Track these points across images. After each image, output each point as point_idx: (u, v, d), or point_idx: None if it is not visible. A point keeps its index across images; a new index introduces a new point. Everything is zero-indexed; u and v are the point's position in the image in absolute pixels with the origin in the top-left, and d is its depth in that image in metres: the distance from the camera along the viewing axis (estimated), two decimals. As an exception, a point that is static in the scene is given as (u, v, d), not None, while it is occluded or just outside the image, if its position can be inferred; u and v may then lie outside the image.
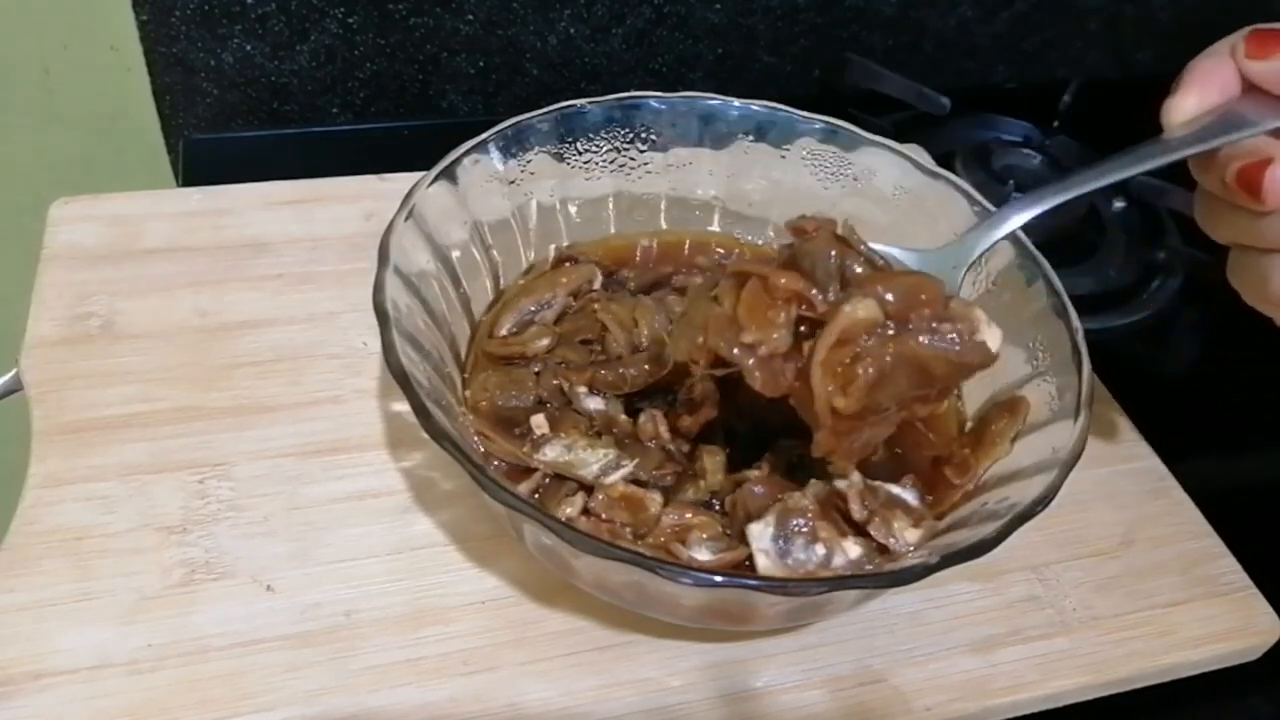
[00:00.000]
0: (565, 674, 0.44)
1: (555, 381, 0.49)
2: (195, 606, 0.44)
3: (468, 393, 0.49)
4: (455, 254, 0.51)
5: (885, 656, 0.46)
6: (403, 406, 0.41)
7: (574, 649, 0.45)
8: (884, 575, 0.40)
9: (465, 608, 0.46)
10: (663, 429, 0.47)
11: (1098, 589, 0.50)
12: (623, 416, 0.48)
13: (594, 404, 0.48)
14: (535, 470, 0.45)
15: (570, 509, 0.44)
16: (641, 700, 0.44)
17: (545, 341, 0.50)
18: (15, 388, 0.53)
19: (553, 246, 0.57)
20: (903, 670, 0.46)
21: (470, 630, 0.45)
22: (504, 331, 0.52)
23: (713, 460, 0.47)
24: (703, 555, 0.43)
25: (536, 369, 0.50)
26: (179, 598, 0.45)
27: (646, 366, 0.49)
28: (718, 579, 0.37)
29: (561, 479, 0.45)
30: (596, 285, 0.55)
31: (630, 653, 0.45)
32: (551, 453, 0.45)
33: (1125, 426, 0.58)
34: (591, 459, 0.45)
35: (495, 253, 0.54)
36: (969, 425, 0.50)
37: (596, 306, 0.52)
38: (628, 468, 0.45)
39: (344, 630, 0.45)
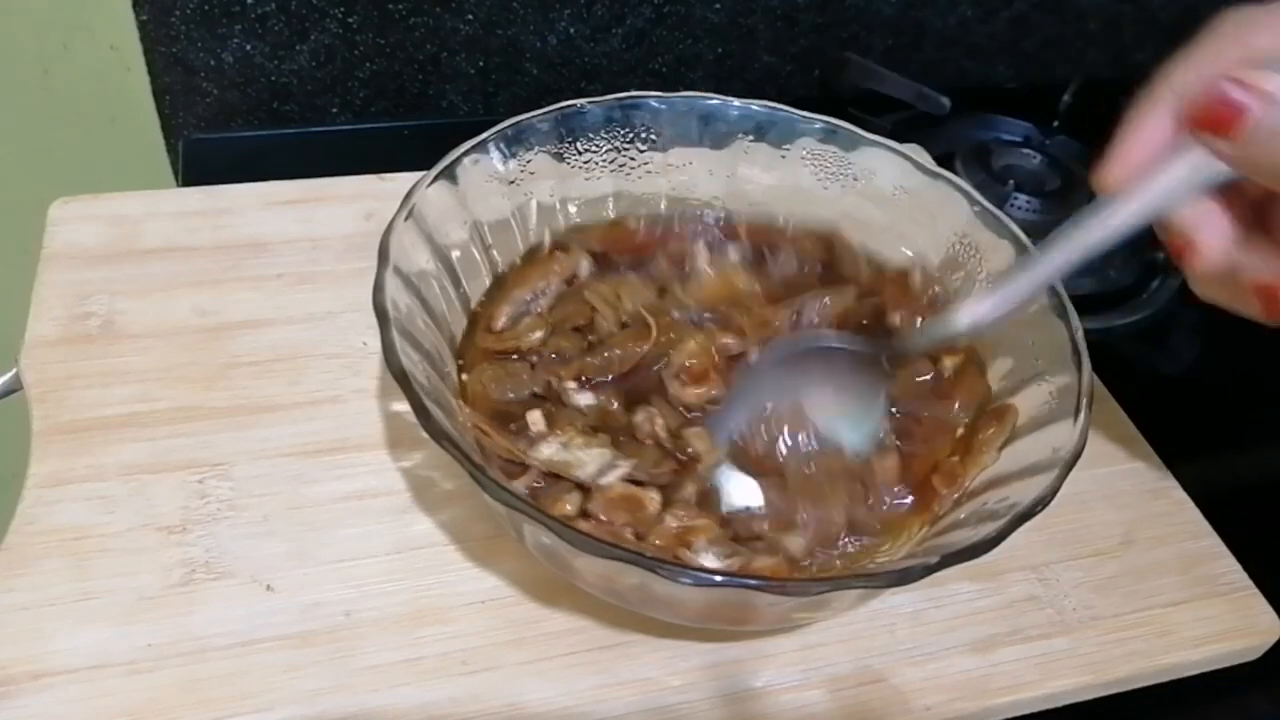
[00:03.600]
0: (565, 674, 0.44)
1: (547, 376, 0.49)
2: (195, 606, 0.44)
3: (465, 377, 0.49)
4: (455, 254, 0.51)
5: (885, 656, 0.46)
6: (403, 406, 0.41)
7: (574, 649, 0.45)
8: (884, 575, 0.40)
9: (465, 608, 0.46)
10: (659, 426, 0.47)
11: (1098, 589, 0.50)
12: (614, 405, 0.48)
13: (585, 399, 0.48)
14: (531, 467, 0.45)
15: (568, 507, 0.43)
16: (641, 700, 0.44)
17: (539, 334, 0.50)
18: (15, 387, 0.53)
19: (547, 230, 0.56)
20: (902, 670, 0.46)
21: (470, 630, 0.45)
22: (500, 325, 0.51)
23: (701, 440, 0.46)
24: (710, 561, 0.43)
25: (532, 360, 0.50)
26: (179, 598, 0.45)
27: (630, 343, 0.48)
28: (717, 579, 0.37)
29: (555, 479, 0.45)
30: (586, 272, 0.54)
31: (630, 653, 0.45)
32: (547, 450, 0.45)
33: (1125, 426, 0.58)
34: (588, 459, 0.45)
35: (495, 252, 0.54)
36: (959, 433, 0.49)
37: (586, 291, 0.52)
38: (624, 468, 0.45)
39: (344, 630, 0.45)
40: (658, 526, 0.44)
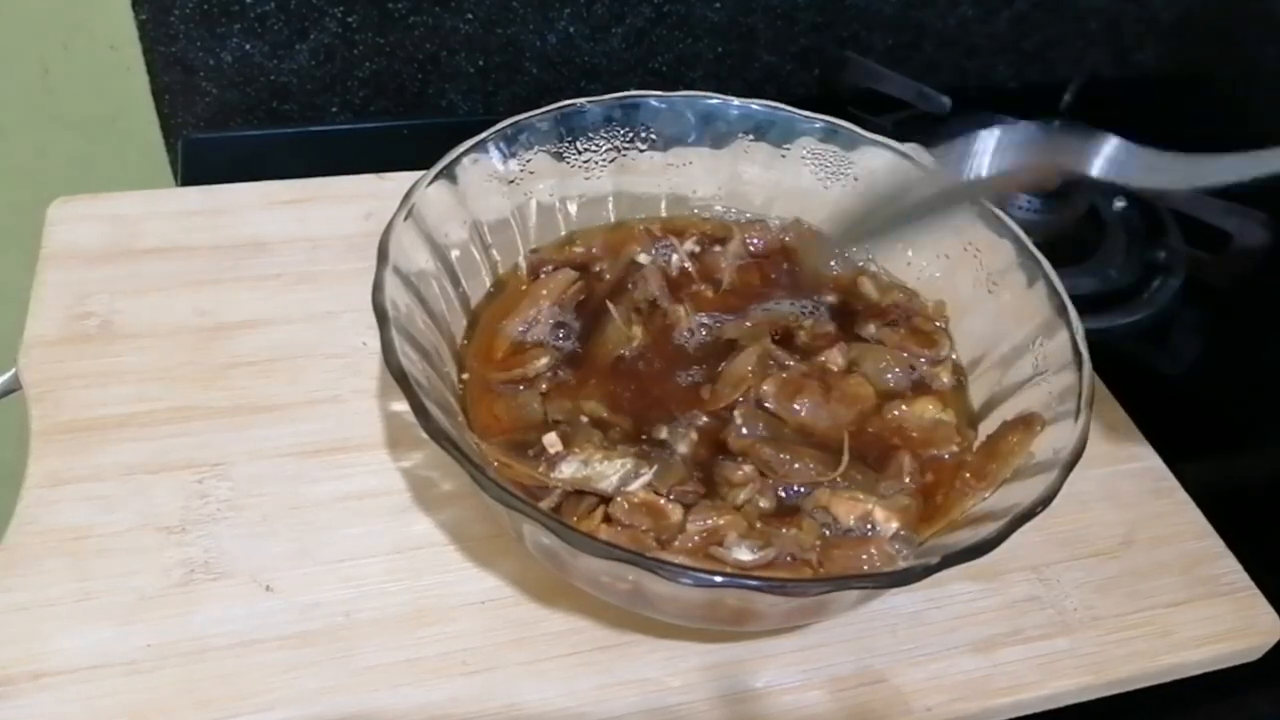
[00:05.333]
0: (565, 674, 0.44)
1: (563, 400, 0.48)
2: (195, 606, 0.44)
3: (469, 414, 0.48)
4: (455, 253, 0.51)
5: (886, 657, 0.46)
6: (402, 406, 0.41)
7: (574, 649, 0.45)
8: (884, 575, 0.40)
9: (465, 608, 0.46)
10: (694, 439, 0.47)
11: (1098, 589, 0.50)
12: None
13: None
14: (553, 489, 0.44)
15: (592, 523, 0.43)
16: (641, 700, 0.44)
17: (544, 360, 0.49)
18: (14, 387, 0.53)
19: (521, 259, 0.55)
20: (903, 670, 0.46)
21: (470, 630, 0.45)
22: (500, 356, 0.50)
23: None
24: (744, 555, 0.42)
25: (543, 388, 0.49)
26: (178, 598, 0.45)
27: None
28: (717, 579, 0.36)
29: (579, 495, 0.44)
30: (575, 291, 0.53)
31: (630, 653, 0.45)
32: (569, 469, 0.44)
33: (1125, 426, 0.58)
34: (610, 470, 0.44)
35: (495, 252, 0.54)
36: (978, 443, 0.49)
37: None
38: (646, 476, 0.44)
39: (344, 630, 0.44)
40: (681, 534, 0.43)
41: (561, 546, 0.37)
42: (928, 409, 0.49)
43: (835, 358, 0.51)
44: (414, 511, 0.49)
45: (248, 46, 0.74)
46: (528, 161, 0.54)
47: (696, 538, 0.43)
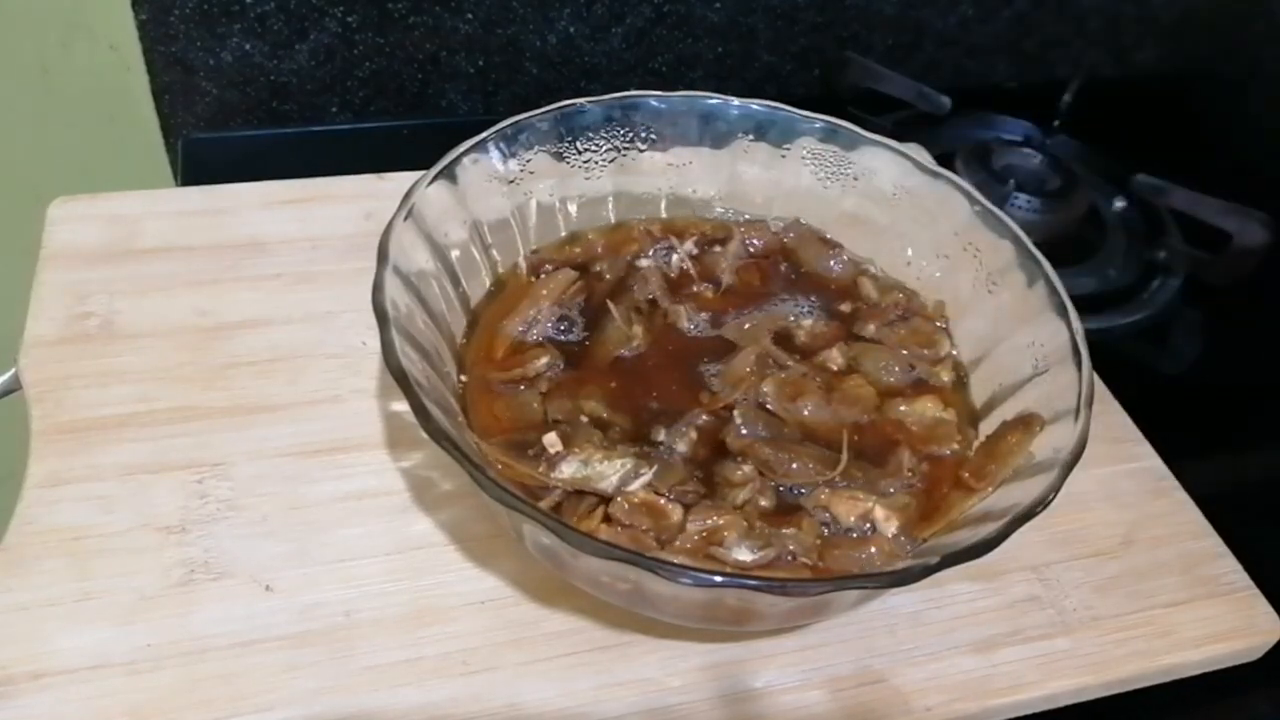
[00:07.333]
0: (565, 674, 0.44)
1: (563, 400, 0.48)
2: (194, 606, 0.44)
3: (468, 415, 0.48)
4: (455, 253, 0.51)
5: (886, 657, 0.46)
6: (402, 406, 0.41)
7: (573, 649, 0.45)
8: (884, 575, 0.40)
9: (465, 608, 0.46)
10: (694, 439, 0.47)
11: (1098, 589, 0.50)
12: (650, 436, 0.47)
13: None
14: (553, 489, 0.44)
15: (592, 523, 0.43)
16: (641, 700, 0.44)
17: (544, 360, 0.49)
18: (14, 387, 0.53)
19: (521, 259, 0.55)
20: (903, 670, 0.46)
21: (470, 630, 0.45)
22: (501, 355, 0.50)
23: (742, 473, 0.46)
24: (744, 555, 0.42)
25: (543, 388, 0.49)
26: (178, 598, 0.45)
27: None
28: (717, 579, 0.36)
29: (579, 495, 0.44)
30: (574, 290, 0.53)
31: (630, 653, 0.45)
32: (568, 469, 0.44)
33: (1125, 426, 0.58)
34: (610, 470, 0.44)
35: (495, 252, 0.54)
36: (978, 443, 0.49)
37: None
38: (646, 476, 0.44)
39: (343, 630, 0.44)
40: (681, 534, 0.43)
41: (561, 546, 0.37)
42: (928, 407, 0.49)
43: (835, 358, 0.51)
44: (414, 511, 0.49)
45: (248, 46, 0.74)
46: (528, 161, 0.54)
47: (696, 538, 0.43)
